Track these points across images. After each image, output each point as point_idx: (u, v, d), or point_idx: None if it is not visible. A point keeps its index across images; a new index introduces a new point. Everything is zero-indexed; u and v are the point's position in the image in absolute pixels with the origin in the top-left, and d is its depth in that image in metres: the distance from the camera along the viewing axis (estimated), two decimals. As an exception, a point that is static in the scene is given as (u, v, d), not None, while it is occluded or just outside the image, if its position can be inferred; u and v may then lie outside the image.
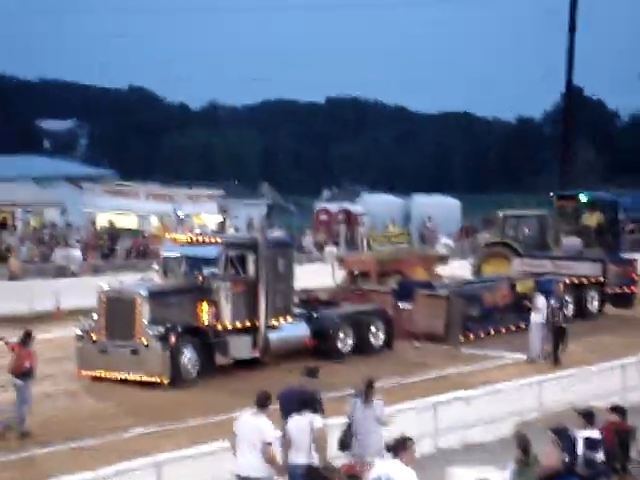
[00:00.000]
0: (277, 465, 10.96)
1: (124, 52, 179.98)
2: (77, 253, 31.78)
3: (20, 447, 14.60)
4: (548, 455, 11.73)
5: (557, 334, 21.16)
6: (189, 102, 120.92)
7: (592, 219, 29.60)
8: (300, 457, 11.00)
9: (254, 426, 10.80)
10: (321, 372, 19.16)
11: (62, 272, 30.82)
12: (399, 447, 9.33)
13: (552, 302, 21.29)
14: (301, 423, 11.08)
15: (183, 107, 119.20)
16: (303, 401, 11.34)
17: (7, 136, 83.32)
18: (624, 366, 18.35)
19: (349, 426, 11.94)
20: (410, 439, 9.49)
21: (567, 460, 11.51)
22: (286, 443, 11.12)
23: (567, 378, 17.75)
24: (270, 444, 10.77)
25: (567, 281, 25.82)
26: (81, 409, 17.19)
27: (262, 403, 10.96)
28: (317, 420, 11.12)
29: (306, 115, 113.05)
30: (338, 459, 11.92)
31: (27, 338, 15.64)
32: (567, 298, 21.94)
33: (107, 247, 34.82)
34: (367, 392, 12.02)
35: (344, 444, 11.93)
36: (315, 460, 10.99)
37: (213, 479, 12.34)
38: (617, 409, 12.55)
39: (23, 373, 15.37)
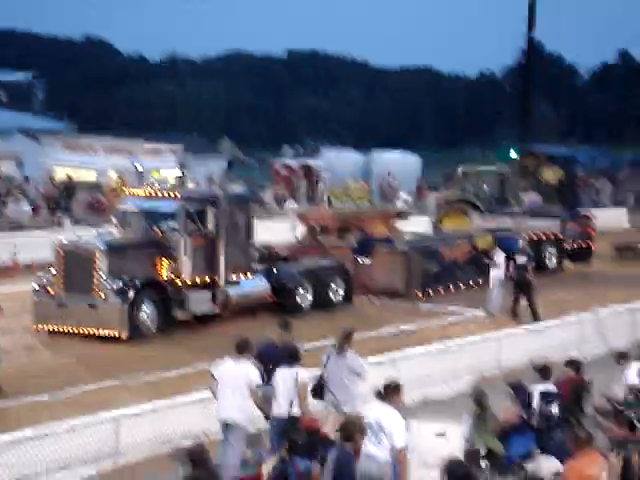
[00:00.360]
0: (264, 409, 11.32)
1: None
2: (26, 207, 31.38)
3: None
4: (505, 409, 11.92)
5: (524, 289, 21.30)
6: (147, 54, 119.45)
7: (551, 175, 29.77)
8: (282, 408, 11.26)
9: (238, 371, 11.07)
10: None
11: (17, 226, 30.44)
12: (389, 392, 9.63)
13: (520, 258, 21.41)
14: (287, 375, 11.29)
15: (141, 59, 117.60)
16: (288, 354, 11.50)
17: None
18: (581, 321, 18.56)
19: (321, 376, 12.01)
20: (399, 384, 9.82)
21: (523, 414, 11.71)
22: (257, 392, 11.26)
23: (525, 334, 17.92)
24: (258, 387, 11.11)
25: (526, 237, 26.00)
26: (39, 364, 17.09)
27: (243, 349, 11.23)
28: (302, 373, 11.35)
29: (266, 68, 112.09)
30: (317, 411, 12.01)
31: None
32: (531, 253, 22.07)
33: (59, 201, 34.36)
34: (342, 342, 12.09)
35: (317, 393, 12.00)
36: (296, 411, 11.21)
37: (171, 433, 12.34)
38: (572, 363, 12.72)
39: None
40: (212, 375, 11.38)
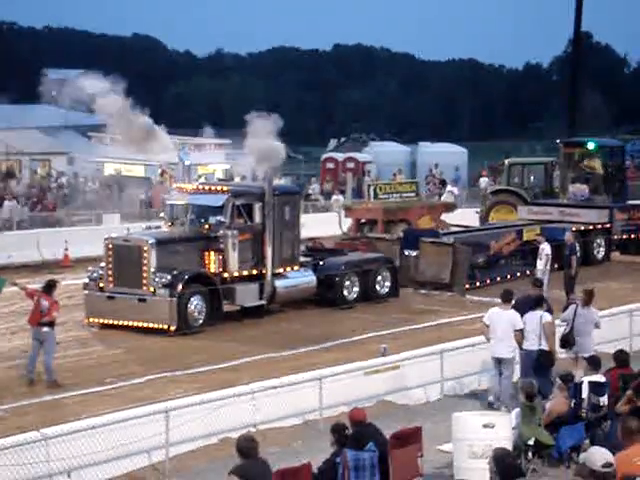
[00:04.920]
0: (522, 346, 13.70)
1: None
2: (16, 204, 31.46)
3: (32, 393, 14.73)
4: (555, 400, 11.87)
5: (565, 279, 21.20)
6: (194, 50, 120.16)
7: (599, 165, 29.42)
8: (531, 344, 13.70)
9: (505, 316, 13.83)
10: (327, 321, 19.52)
11: (63, 221, 30.86)
12: None
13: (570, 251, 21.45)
14: (533, 317, 13.80)
15: (189, 55, 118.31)
16: (536, 302, 14.13)
17: (10, 84, 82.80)
18: (631, 312, 18.36)
19: (571, 327, 14.18)
20: None
21: (573, 404, 11.65)
22: (521, 334, 13.80)
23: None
24: (520, 330, 13.67)
25: (574, 228, 25.80)
26: (91, 356, 17.33)
27: (507, 298, 14.08)
28: (546, 315, 13.90)
29: (312, 62, 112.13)
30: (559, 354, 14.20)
31: (51, 287, 15.58)
32: (577, 246, 21.92)
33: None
34: (587, 299, 14.49)
35: (566, 343, 14.20)
36: (544, 347, 13.62)
37: (221, 425, 12.46)
38: (621, 355, 12.63)
39: (51, 322, 15.36)
40: (484, 322, 14.04)
